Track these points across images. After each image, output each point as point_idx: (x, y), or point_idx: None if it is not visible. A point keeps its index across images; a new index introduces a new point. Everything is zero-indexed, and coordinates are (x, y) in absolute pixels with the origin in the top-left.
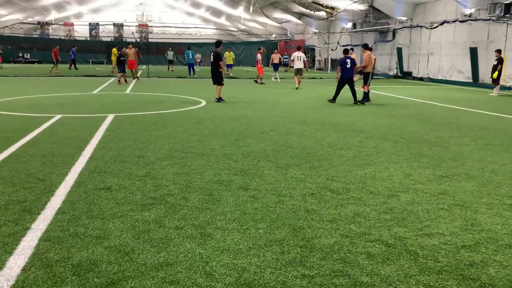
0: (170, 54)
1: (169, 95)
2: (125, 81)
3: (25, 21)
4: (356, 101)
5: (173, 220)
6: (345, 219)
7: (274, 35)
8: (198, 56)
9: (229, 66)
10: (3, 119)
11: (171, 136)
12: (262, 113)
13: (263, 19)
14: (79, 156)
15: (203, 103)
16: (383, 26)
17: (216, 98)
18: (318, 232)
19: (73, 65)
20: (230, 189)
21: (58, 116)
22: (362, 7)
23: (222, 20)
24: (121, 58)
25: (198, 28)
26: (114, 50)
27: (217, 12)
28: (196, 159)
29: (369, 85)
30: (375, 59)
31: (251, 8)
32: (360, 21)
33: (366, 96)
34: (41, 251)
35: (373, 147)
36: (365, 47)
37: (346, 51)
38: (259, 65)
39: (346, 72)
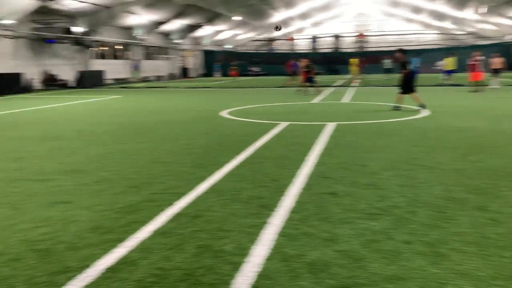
0: (386, 63)
1: (387, 104)
2: (305, 91)
3: (255, 38)
4: None
5: (402, 234)
6: None
7: (509, 36)
8: (442, 63)
9: (450, 72)
10: (239, 124)
11: (392, 146)
12: (493, 124)
13: (496, 19)
14: (305, 161)
15: (426, 112)
16: None
17: (421, 104)
18: None
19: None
20: (464, 208)
21: (285, 123)
22: None
23: (446, 24)
24: (306, 70)
25: (418, 34)
26: (353, 60)
27: (440, 16)
28: (422, 172)
29: None
30: None
31: (481, 9)
32: None
33: None
34: (279, 245)
35: None
36: None
37: None
38: (476, 70)
39: None
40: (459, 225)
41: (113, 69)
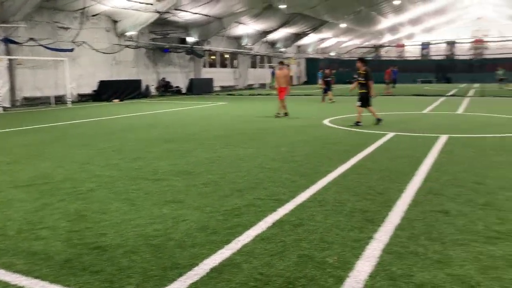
0: (500, 73)
1: (508, 117)
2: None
3: (362, 46)
4: None
5: None
6: None
7: None
8: None
9: None
10: (343, 133)
11: None
12: None
13: None
14: (414, 175)
15: None
16: None
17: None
18: None
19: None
20: None
21: (391, 134)
22: None
23: None
24: (325, 79)
25: None
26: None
27: None
28: None
29: None
30: None
31: None
32: None
33: None
34: (384, 262)
35: None
36: None
37: None
38: None
39: None
40: None
41: (220, 77)
